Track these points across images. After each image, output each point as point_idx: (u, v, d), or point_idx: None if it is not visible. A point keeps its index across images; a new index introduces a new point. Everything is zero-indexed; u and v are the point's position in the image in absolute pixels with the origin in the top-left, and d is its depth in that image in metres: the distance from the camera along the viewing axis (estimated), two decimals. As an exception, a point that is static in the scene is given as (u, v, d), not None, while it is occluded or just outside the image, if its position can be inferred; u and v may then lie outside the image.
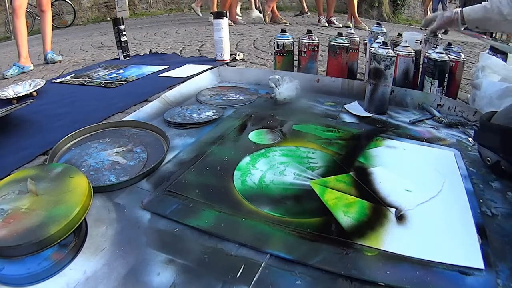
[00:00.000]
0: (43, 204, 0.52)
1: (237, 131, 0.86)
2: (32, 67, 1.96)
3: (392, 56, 0.92)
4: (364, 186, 0.62)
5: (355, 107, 1.00)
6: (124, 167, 0.71)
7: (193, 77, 1.32)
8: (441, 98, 0.99)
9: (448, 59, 1.02)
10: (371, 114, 0.96)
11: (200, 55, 1.93)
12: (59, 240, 0.48)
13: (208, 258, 0.48)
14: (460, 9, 0.98)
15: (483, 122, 0.67)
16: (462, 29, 0.99)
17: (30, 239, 0.46)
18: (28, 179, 0.55)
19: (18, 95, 1.23)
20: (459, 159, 0.72)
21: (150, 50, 2.12)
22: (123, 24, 1.87)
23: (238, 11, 3.46)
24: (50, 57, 2.11)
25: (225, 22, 1.62)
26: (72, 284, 0.45)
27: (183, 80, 1.33)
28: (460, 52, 1.07)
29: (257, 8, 3.84)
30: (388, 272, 0.45)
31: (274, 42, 1.29)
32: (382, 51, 0.92)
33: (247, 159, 0.73)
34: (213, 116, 0.94)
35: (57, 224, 0.48)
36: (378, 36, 1.17)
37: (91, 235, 0.53)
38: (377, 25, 1.23)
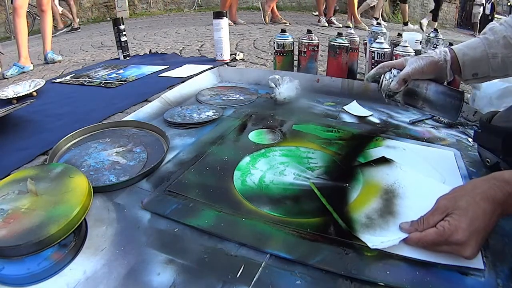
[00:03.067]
0: (43, 204, 0.52)
1: (237, 131, 0.86)
2: (32, 67, 1.96)
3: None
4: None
5: (354, 107, 1.01)
6: (124, 167, 0.71)
7: (193, 77, 1.32)
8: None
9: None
10: (371, 113, 0.96)
11: (200, 55, 1.93)
12: (59, 240, 0.48)
13: (208, 258, 0.48)
14: (448, 47, 0.68)
15: (483, 123, 0.66)
16: (450, 79, 0.68)
17: (30, 239, 0.46)
18: (28, 179, 0.55)
19: (18, 95, 1.23)
20: (459, 159, 0.72)
21: (150, 50, 2.12)
22: (123, 24, 1.87)
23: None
24: (50, 57, 2.11)
25: (224, 22, 1.62)
26: (72, 284, 0.45)
27: (183, 80, 1.34)
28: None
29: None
30: (388, 272, 0.45)
31: (274, 42, 1.29)
32: None
33: (247, 159, 0.73)
34: (213, 116, 0.94)
35: (57, 224, 0.48)
36: (378, 36, 1.17)
37: (91, 235, 0.53)
38: (377, 25, 1.23)
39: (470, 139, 0.81)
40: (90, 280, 0.45)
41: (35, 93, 1.28)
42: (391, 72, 0.72)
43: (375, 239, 0.49)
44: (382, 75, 0.73)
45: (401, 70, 0.70)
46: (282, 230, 0.53)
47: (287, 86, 1.05)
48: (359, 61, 1.33)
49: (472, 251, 0.43)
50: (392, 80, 0.70)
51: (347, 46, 1.21)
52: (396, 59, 1.08)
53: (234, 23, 3.14)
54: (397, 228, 0.51)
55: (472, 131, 0.82)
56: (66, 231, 0.49)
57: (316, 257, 0.47)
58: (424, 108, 0.72)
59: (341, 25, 3.19)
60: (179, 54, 2.02)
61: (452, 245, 0.44)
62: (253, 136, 0.83)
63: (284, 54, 1.29)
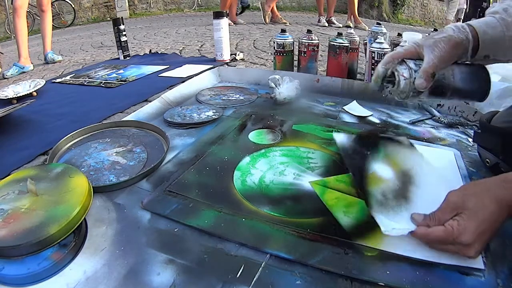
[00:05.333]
0: (43, 204, 0.52)
1: (237, 131, 0.86)
2: (32, 67, 1.96)
3: None
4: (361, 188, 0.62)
5: (354, 107, 1.01)
6: (124, 167, 0.71)
7: (193, 77, 1.32)
8: (441, 98, 0.99)
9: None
10: (371, 113, 0.96)
11: (200, 55, 1.93)
12: (59, 240, 0.48)
13: (208, 258, 0.48)
14: (466, 23, 0.57)
15: (483, 123, 0.66)
16: (468, 60, 0.58)
17: (30, 239, 0.46)
18: (28, 179, 0.55)
19: (18, 95, 1.23)
20: (459, 159, 0.72)
21: (150, 50, 2.12)
22: (123, 24, 1.87)
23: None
24: (50, 57, 2.11)
25: (224, 22, 1.62)
26: (72, 284, 0.45)
27: (183, 80, 1.34)
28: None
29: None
30: (388, 272, 0.45)
31: (274, 42, 1.29)
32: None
33: (247, 159, 0.73)
34: (213, 116, 0.94)
35: (57, 224, 0.48)
36: (378, 36, 1.17)
37: (91, 235, 0.53)
38: (377, 25, 1.24)
39: (470, 139, 0.81)
40: (90, 280, 0.45)
41: (35, 93, 1.28)
42: (408, 67, 0.57)
43: (388, 224, 0.49)
44: (395, 72, 0.58)
45: (416, 60, 0.57)
46: (282, 230, 0.53)
47: (287, 86, 1.05)
48: (359, 61, 1.33)
49: (476, 252, 0.44)
50: (415, 77, 0.56)
51: (347, 46, 1.21)
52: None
53: (234, 23, 3.14)
54: (408, 216, 0.51)
55: (472, 131, 0.82)
56: (66, 231, 0.49)
57: (316, 257, 0.47)
58: (451, 99, 0.60)
59: (341, 25, 3.19)
60: (179, 54, 2.02)
61: (457, 245, 0.44)
62: (253, 136, 0.83)
63: (284, 54, 1.29)
